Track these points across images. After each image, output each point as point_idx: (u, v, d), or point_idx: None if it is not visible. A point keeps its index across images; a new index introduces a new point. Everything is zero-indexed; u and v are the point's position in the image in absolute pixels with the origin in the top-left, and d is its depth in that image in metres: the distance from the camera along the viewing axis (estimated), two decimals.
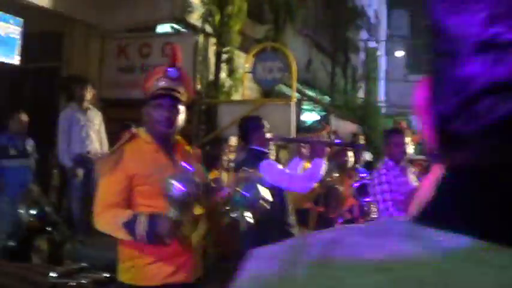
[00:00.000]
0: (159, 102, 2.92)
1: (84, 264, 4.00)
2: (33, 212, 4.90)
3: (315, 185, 4.68)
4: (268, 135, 4.77)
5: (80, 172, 7.25)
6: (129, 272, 2.89)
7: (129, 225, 2.71)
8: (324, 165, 4.46)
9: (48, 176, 8.04)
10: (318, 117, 16.61)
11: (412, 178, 5.11)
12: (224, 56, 9.40)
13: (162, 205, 2.71)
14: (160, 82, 2.94)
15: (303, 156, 4.72)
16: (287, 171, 4.59)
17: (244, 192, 2.90)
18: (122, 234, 2.76)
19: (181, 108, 2.98)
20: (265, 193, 2.99)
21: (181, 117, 2.98)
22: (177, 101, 2.94)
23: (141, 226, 2.68)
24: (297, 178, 4.48)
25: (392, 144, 4.99)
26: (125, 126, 7.15)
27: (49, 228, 4.95)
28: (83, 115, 7.34)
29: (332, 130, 6.16)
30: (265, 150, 4.77)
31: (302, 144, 4.77)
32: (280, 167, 4.59)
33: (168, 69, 2.95)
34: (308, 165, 4.76)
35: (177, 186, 2.60)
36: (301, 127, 9.29)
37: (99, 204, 2.85)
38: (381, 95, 27.54)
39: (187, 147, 3.14)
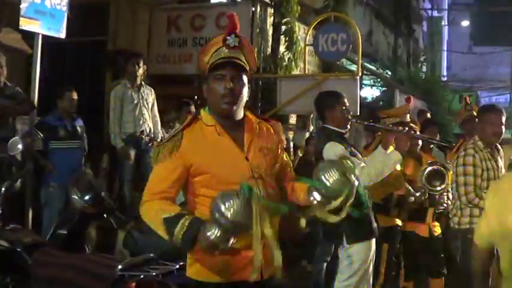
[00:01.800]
0: (219, 73, 2.74)
1: (151, 255, 3.93)
2: (87, 197, 4.80)
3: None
4: (347, 115, 4.55)
5: (132, 153, 7.19)
6: (194, 266, 2.77)
7: (169, 223, 2.56)
8: (400, 160, 4.23)
9: (98, 159, 8.02)
10: (379, 93, 16.29)
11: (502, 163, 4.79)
12: (283, 28, 9.20)
13: None
14: (219, 52, 2.76)
15: (388, 146, 4.43)
16: (357, 159, 4.35)
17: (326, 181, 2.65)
18: (161, 231, 2.62)
19: (246, 79, 2.80)
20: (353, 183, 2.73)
21: (246, 90, 2.80)
22: (240, 70, 2.77)
23: (181, 229, 2.52)
24: (362, 169, 4.24)
25: (487, 123, 4.66)
26: (183, 104, 7.07)
27: (104, 215, 4.85)
28: (136, 93, 7.25)
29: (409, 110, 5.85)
30: (341, 130, 4.55)
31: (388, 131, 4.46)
32: (346, 152, 4.33)
33: (227, 37, 2.76)
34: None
35: (224, 213, 2.37)
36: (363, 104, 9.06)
37: (147, 192, 2.76)
38: (444, 68, 26.90)
39: (264, 124, 2.93)
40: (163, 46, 9.59)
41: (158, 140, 7.52)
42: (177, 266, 3.83)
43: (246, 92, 2.78)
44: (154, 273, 3.72)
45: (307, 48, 9.05)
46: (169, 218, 2.56)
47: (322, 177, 2.64)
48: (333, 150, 4.30)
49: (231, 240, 2.46)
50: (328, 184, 2.63)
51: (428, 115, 8.67)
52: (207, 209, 2.51)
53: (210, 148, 2.71)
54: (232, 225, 2.38)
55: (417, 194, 5.56)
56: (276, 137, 2.93)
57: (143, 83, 7.45)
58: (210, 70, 2.76)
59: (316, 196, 2.69)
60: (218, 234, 2.41)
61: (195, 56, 9.29)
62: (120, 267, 3.68)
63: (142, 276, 3.68)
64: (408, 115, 5.59)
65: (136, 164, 7.33)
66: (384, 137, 4.51)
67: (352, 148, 4.60)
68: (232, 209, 2.37)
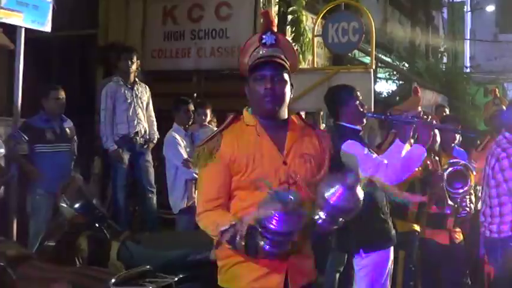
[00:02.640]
0: (259, 74, 2.87)
1: (147, 267, 3.95)
2: (77, 205, 4.80)
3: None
4: (362, 110, 4.56)
5: (126, 156, 7.23)
6: (220, 272, 2.94)
7: (227, 235, 2.71)
8: (425, 154, 4.21)
9: (88, 163, 8.05)
10: (395, 87, 16.29)
11: None
12: (289, 18, 9.19)
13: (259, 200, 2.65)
14: (257, 52, 2.91)
15: (406, 139, 4.40)
16: (374, 156, 4.35)
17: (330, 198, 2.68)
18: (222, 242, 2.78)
19: (287, 77, 2.91)
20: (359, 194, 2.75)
21: (288, 89, 2.92)
22: (280, 69, 2.89)
23: (240, 237, 2.67)
24: (387, 166, 4.23)
25: None
26: (180, 102, 7.07)
27: (97, 224, 4.86)
28: (130, 91, 7.29)
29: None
30: (357, 127, 4.56)
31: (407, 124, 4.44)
32: (366, 150, 4.35)
33: (263, 35, 2.91)
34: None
35: (274, 222, 2.52)
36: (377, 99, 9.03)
37: (199, 202, 2.94)
38: (467, 59, 26.82)
39: (310, 130, 3.05)
40: (158, 39, 9.59)
41: (154, 142, 7.55)
42: (176, 279, 3.87)
43: (288, 90, 2.92)
44: (150, 287, 3.73)
45: (315, 39, 9.02)
46: (226, 230, 2.70)
47: (326, 195, 2.67)
48: (353, 150, 4.30)
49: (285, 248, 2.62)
50: (332, 203, 2.66)
51: (447, 111, 8.66)
52: (240, 211, 2.77)
53: (248, 147, 2.85)
54: (280, 236, 2.54)
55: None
56: (322, 146, 3.02)
57: (137, 80, 7.48)
58: (250, 71, 2.91)
59: (321, 215, 2.73)
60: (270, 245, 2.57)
61: (193, 50, 9.34)
62: (113, 281, 3.68)
63: None
64: (420, 108, 5.57)
65: (131, 168, 7.38)
66: (402, 131, 4.46)
67: (368, 148, 4.59)
68: (283, 214, 2.51)
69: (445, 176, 5.42)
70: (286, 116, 2.97)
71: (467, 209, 5.68)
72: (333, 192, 2.61)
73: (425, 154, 4.21)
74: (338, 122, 4.63)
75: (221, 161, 2.84)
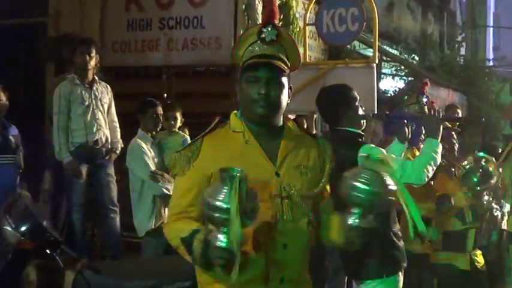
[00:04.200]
0: (254, 75, 2.90)
1: None
2: (23, 227, 4.83)
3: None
4: (360, 111, 4.69)
5: (84, 170, 7.23)
6: None
7: (187, 243, 2.76)
8: (440, 147, 4.40)
9: (38, 178, 8.04)
10: (403, 84, 16.38)
11: None
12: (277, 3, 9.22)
13: None
14: (255, 48, 2.94)
15: (404, 138, 4.62)
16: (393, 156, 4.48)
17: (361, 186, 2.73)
18: (183, 252, 2.82)
19: (285, 81, 2.95)
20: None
21: (285, 94, 2.96)
22: (279, 71, 2.91)
23: (198, 245, 2.70)
24: (408, 165, 4.47)
25: None
26: (146, 104, 7.07)
27: (48, 251, 4.89)
28: (87, 91, 7.30)
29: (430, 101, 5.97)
30: (357, 131, 4.68)
31: (406, 122, 4.65)
32: (384, 152, 4.49)
33: (263, 29, 2.93)
34: (416, 152, 4.64)
35: (215, 207, 2.56)
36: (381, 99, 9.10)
37: (169, 212, 3.09)
38: (489, 50, 26.98)
39: (308, 139, 3.12)
40: (121, 30, 9.62)
41: (117, 152, 7.56)
42: None
43: (285, 96, 2.95)
44: None
45: (307, 28, 9.08)
46: (186, 236, 2.76)
47: (357, 184, 2.71)
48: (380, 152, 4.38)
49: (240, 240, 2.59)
50: (367, 188, 2.70)
51: (459, 111, 8.76)
52: None
53: (233, 156, 2.88)
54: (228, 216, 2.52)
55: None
56: (321, 157, 3.09)
57: (96, 78, 7.48)
58: (242, 69, 2.95)
59: (353, 221, 2.78)
60: (223, 237, 2.57)
61: (162, 42, 9.37)
62: None
63: None
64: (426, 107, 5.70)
65: (89, 184, 7.39)
66: (400, 129, 4.69)
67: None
68: (222, 196, 2.54)
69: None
70: (281, 123, 3.03)
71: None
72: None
73: (441, 147, 4.40)
74: (337, 126, 4.76)
75: (199, 170, 2.90)
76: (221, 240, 2.56)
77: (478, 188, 5.66)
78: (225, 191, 2.53)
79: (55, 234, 5.16)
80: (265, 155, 2.93)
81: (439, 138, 4.52)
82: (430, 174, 4.53)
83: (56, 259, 4.87)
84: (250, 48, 2.94)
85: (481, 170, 5.63)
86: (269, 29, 2.91)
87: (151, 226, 6.73)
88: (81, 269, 4.71)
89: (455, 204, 5.65)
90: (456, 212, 5.69)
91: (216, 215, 2.54)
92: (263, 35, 2.91)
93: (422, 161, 4.49)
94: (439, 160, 4.56)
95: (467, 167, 5.69)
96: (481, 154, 5.78)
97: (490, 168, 5.64)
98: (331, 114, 4.83)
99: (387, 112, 5.48)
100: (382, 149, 4.53)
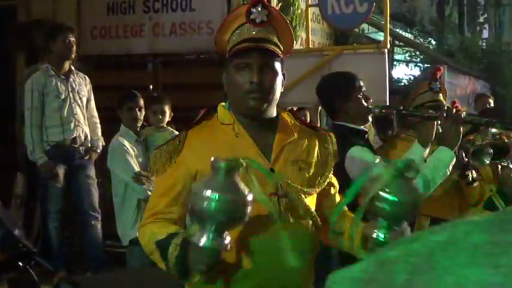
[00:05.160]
0: (243, 62, 2.89)
1: None
2: None
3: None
4: (366, 104, 4.63)
5: (61, 172, 7.22)
6: None
7: (162, 247, 2.77)
8: (453, 159, 4.32)
9: (8, 181, 8.04)
10: (418, 72, 16.40)
11: None
12: None
13: None
14: (244, 31, 2.91)
15: (426, 141, 4.47)
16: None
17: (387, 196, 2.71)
18: (158, 262, 2.83)
19: (279, 68, 2.95)
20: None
21: (279, 82, 2.96)
22: (271, 56, 2.92)
23: (174, 250, 2.72)
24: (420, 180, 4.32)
25: None
26: (125, 97, 7.04)
27: (20, 263, 4.89)
28: (63, 83, 7.29)
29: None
30: (361, 127, 4.63)
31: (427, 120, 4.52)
32: (378, 159, 4.41)
33: (252, 9, 2.91)
34: None
35: (206, 197, 2.53)
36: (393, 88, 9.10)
37: (145, 212, 3.05)
38: None
39: (306, 130, 3.10)
40: (100, 13, 9.58)
41: (98, 151, 7.55)
42: None
43: (279, 84, 2.96)
44: None
45: (310, 10, 9.09)
46: (162, 240, 2.77)
47: (384, 194, 2.69)
48: (360, 158, 4.28)
49: (228, 241, 2.60)
50: (395, 200, 2.68)
51: (491, 101, 8.75)
52: None
53: (222, 151, 2.82)
54: (220, 206, 2.50)
55: None
56: (323, 152, 3.09)
57: (73, 68, 7.48)
58: (230, 55, 2.93)
59: (379, 235, 2.77)
60: (210, 236, 2.54)
61: (147, 27, 9.35)
62: None
63: None
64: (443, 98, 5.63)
65: (67, 188, 7.39)
66: (423, 129, 4.51)
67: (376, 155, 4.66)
68: (212, 187, 2.52)
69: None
70: (274, 114, 3.02)
71: None
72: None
73: (454, 160, 4.30)
74: (336, 121, 4.72)
75: (181, 167, 2.89)
76: (207, 240, 2.54)
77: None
78: (218, 180, 2.52)
79: (28, 244, 5.13)
80: (257, 149, 2.92)
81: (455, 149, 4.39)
82: (428, 194, 4.37)
83: (29, 272, 4.85)
84: (238, 31, 2.92)
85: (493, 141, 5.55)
86: (259, 8, 2.88)
87: (135, 233, 6.66)
88: (59, 284, 4.71)
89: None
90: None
91: (204, 206, 2.50)
92: (252, 16, 2.88)
93: (435, 177, 4.32)
94: (444, 176, 4.41)
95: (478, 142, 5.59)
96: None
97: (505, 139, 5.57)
98: (329, 106, 4.79)
99: (401, 107, 5.37)
100: (370, 153, 4.38)
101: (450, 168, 4.33)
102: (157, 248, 2.78)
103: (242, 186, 2.56)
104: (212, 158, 2.56)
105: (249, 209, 2.55)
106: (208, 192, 2.50)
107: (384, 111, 5.29)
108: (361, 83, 4.69)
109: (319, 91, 4.87)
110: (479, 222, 0.91)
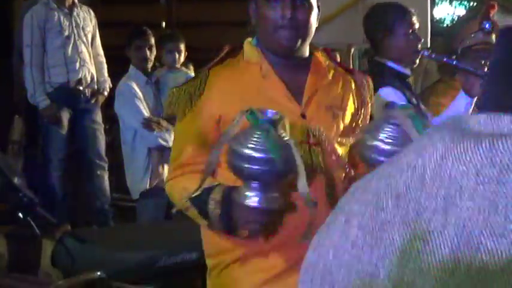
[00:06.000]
0: None
1: (98, 274, 4.00)
2: None
3: None
4: (416, 44, 4.56)
5: (65, 116, 7.24)
6: (211, 275, 3.01)
7: (199, 204, 2.77)
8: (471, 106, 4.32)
9: (5, 126, 8.06)
10: (463, 11, 16.26)
11: None
12: None
13: None
14: None
15: (474, 92, 4.45)
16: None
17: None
18: (193, 214, 2.84)
19: (314, 2, 2.90)
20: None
21: (315, 16, 2.91)
22: None
23: (215, 208, 2.74)
24: None
25: None
26: (133, 34, 7.00)
27: (20, 215, 4.95)
28: (67, 18, 7.26)
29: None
30: (404, 70, 4.59)
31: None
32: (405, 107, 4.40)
33: None
34: None
35: (249, 157, 2.52)
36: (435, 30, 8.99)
37: (170, 164, 3.06)
38: None
39: (343, 73, 3.08)
40: None
41: (105, 94, 7.55)
42: None
43: (314, 19, 2.91)
44: None
45: None
46: (198, 196, 2.75)
47: (378, 144, 2.67)
48: (382, 102, 4.28)
49: (277, 200, 2.61)
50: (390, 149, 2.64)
51: None
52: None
53: (248, 94, 2.85)
54: (267, 167, 2.50)
55: None
56: (360, 97, 3.07)
57: (76, 1, 7.44)
58: None
59: None
60: (255, 195, 2.57)
61: None
62: None
63: None
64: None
65: (71, 134, 7.41)
66: (470, 78, 4.48)
67: (416, 99, 4.64)
68: (255, 146, 2.50)
69: None
70: (307, 53, 2.98)
71: None
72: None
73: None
74: (378, 58, 4.64)
75: (203, 112, 2.86)
76: (253, 198, 2.57)
77: None
78: (257, 136, 2.50)
79: (29, 194, 5.20)
80: (287, 92, 2.89)
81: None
82: None
83: (30, 225, 4.91)
84: None
85: None
86: None
87: (146, 185, 6.69)
88: (62, 238, 4.75)
89: None
90: None
91: (246, 165, 2.50)
92: None
93: None
94: None
95: None
96: None
97: None
98: (372, 39, 4.72)
99: (454, 57, 5.29)
100: (403, 99, 4.31)
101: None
102: (194, 205, 2.78)
103: (287, 139, 2.54)
104: (248, 109, 2.52)
105: (298, 160, 2.52)
106: (252, 152, 2.49)
107: (433, 56, 5.21)
108: (414, 19, 4.52)
109: (364, 21, 4.82)
110: None
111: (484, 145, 0.91)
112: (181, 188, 2.85)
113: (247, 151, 2.49)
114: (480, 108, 1.01)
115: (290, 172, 2.55)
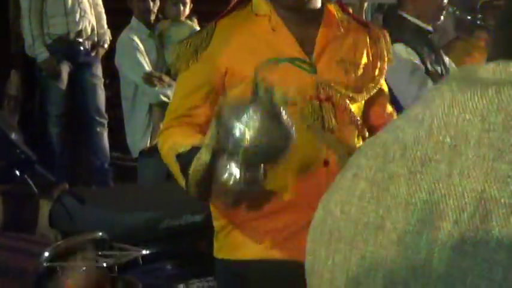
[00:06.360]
0: None
1: (99, 234, 3.98)
2: None
3: None
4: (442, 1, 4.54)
5: (64, 69, 7.22)
6: (218, 238, 3.00)
7: (183, 162, 2.71)
8: None
9: (1, 79, 8.05)
10: None
11: None
12: None
13: None
14: None
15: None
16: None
17: None
18: (176, 171, 2.79)
19: None
20: None
21: None
22: None
23: (194, 171, 2.65)
24: None
25: None
26: None
27: (17, 173, 4.97)
28: None
29: None
30: (427, 26, 4.58)
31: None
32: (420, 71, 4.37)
33: None
34: None
35: (241, 130, 2.43)
36: None
37: (167, 115, 3.01)
38: None
39: (356, 26, 3.02)
40: None
41: (105, 46, 7.52)
42: (143, 252, 3.95)
43: None
44: (104, 263, 3.76)
45: None
46: (184, 153, 2.71)
47: None
48: (398, 58, 4.09)
49: (261, 178, 2.56)
50: None
51: None
52: None
53: (255, 47, 2.82)
54: (258, 150, 2.44)
55: None
56: (375, 51, 3.01)
57: None
58: None
59: None
60: (238, 174, 2.50)
61: None
62: (46, 255, 3.70)
63: (84, 268, 3.68)
64: None
65: (71, 88, 7.41)
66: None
67: (436, 56, 4.61)
68: (251, 125, 2.40)
69: None
70: (319, 5, 2.92)
71: None
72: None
73: None
74: (401, 12, 4.59)
75: (208, 63, 2.82)
76: (233, 178, 2.50)
77: None
78: (251, 107, 2.41)
79: (27, 151, 5.20)
80: (297, 45, 2.83)
81: None
82: None
83: (28, 183, 4.92)
84: None
85: None
86: None
87: (146, 144, 6.69)
88: (60, 197, 4.74)
89: None
90: None
91: (230, 138, 2.41)
92: None
93: None
94: None
95: None
96: None
97: None
98: None
99: (479, 15, 5.22)
100: (417, 60, 4.35)
101: None
102: (177, 162, 2.74)
103: (286, 120, 2.45)
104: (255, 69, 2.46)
105: (292, 141, 2.46)
106: (243, 131, 2.39)
107: (457, 13, 5.16)
108: None
109: None
110: None
111: (490, 92, 0.93)
112: (172, 141, 2.82)
113: (233, 123, 2.41)
114: (490, 56, 1.03)
115: (279, 158, 2.51)
